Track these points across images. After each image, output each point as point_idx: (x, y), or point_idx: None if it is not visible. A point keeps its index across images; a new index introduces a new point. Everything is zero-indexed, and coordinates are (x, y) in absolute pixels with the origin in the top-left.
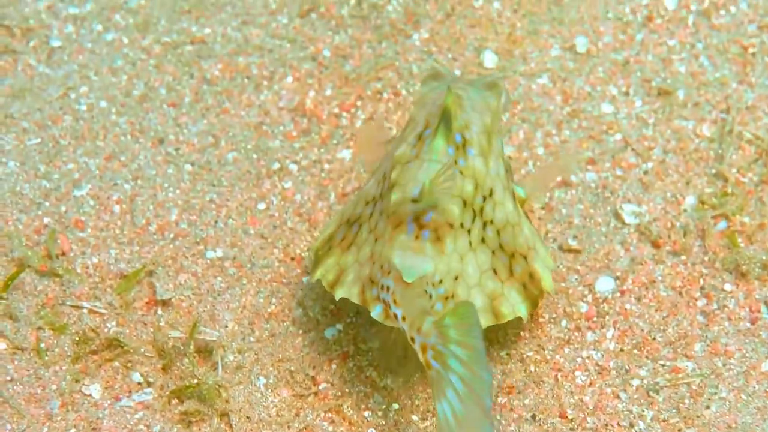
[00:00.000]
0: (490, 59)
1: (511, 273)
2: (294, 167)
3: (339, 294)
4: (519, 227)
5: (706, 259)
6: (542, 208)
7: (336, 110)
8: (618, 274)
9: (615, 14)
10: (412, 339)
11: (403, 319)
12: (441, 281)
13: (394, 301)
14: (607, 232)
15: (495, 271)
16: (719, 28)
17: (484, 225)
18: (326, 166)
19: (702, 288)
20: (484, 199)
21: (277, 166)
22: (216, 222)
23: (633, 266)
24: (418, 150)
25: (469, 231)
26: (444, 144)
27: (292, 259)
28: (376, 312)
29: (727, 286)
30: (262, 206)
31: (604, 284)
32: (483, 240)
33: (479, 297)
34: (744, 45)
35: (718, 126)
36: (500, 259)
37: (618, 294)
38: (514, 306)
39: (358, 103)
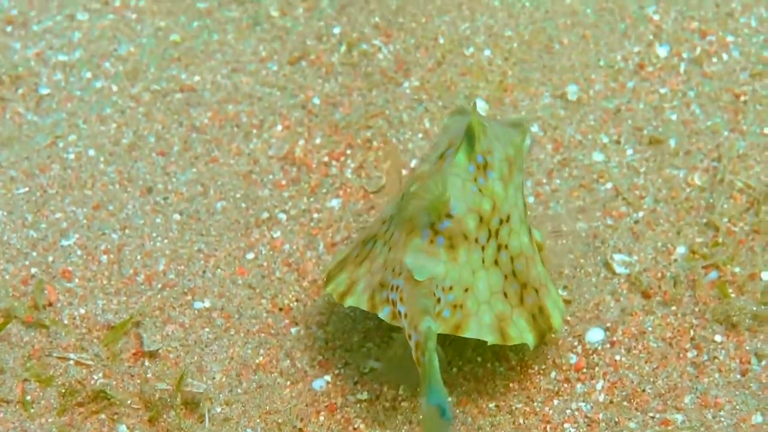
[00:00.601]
0: (480, 108)
1: (522, 301)
2: (283, 216)
3: (348, 302)
4: (533, 261)
5: (696, 309)
6: None
7: (326, 159)
8: (608, 324)
9: (606, 62)
10: (409, 336)
11: (405, 316)
12: (451, 288)
13: (401, 299)
14: (598, 282)
15: (506, 295)
16: (711, 76)
17: (499, 248)
18: (315, 215)
19: (692, 339)
20: (501, 222)
21: (266, 215)
22: (204, 272)
23: (623, 317)
24: (437, 166)
25: (483, 248)
26: (466, 160)
27: (281, 309)
28: (384, 313)
29: (718, 338)
30: (250, 256)
31: (594, 335)
32: (496, 262)
33: (488, 314)
34: (736, 93)
35: (710, 175)
36: (512, 285)
37: (608, 345)
38: (522, 332)
39: (348, 152)
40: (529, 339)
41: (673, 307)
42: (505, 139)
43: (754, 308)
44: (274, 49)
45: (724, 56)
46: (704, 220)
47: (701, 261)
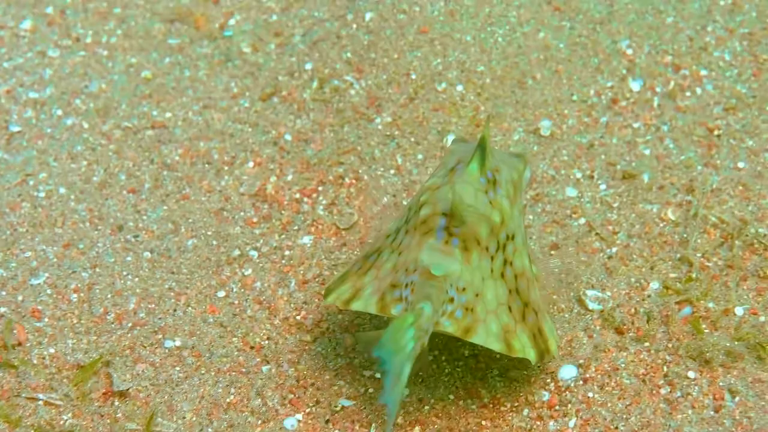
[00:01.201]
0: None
1: (524, 318)
2: (254, 254)
3: (356, 306)
4: (533, 285)
5: (669, 345)
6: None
7: (297, 195)
8: (581, 361)
9: (579, 96)
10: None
11: (411, 303)
12: (464, 289)
13: (412, 291)
14: (570, 318)
15: (510, 309)
16: (684, 110)
17: (505, 262)
18: (287, 252)
19: (665, 375)
20: (507, 238)
21: (237, 252)
22: (175, 310)
23: (596, 353)
24: (449, 178)
25: (492, 258)
26: (478, 170)
27: (252, 347)
28: (395, 310)
29: (691, 374)
30: (221, 294)
31: (567, 372)
32: (503, 275)
33: (494, 323)
34: (709, 127)
35: (683, 210)
36: (516, 301)
37: (581, 382)
38: (525, 347)
39: (320, 189)
40: (531, 355)
41: (647, 343)
42: (509, 164)
43: (728, 344)
44: (246, 86)
45: (698, 90)
46: (678, 256)
47: (675, 296)
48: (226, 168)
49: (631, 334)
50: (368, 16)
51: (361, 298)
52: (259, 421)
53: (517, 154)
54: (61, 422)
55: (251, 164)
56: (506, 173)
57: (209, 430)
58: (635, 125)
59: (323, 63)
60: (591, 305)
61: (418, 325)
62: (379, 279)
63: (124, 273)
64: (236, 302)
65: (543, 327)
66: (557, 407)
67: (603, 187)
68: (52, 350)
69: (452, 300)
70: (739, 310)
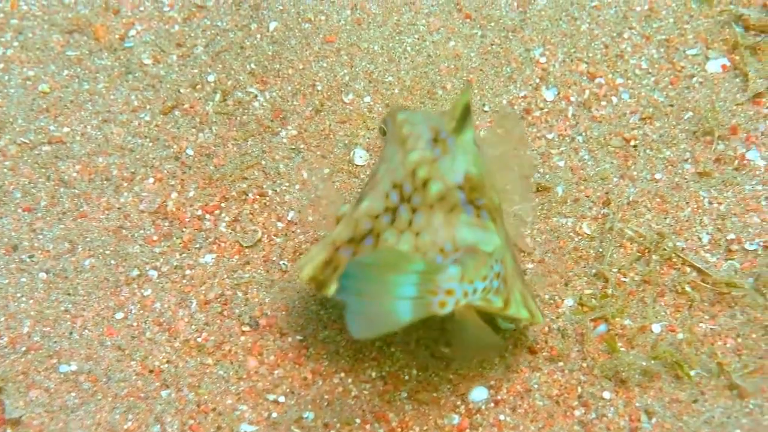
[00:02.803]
0: (360, 156)
1: (523, 281)
2: (154, 274)
3: None
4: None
5: (584, 365)
6: None
7: (199, 212)
8: (492, 382)
9: (491, 107)
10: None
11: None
12: (503, 261)
13: None
14: None
15: (518, 275)
16: (600, 119)
17: (500, 216)
18: (188, 271)
19: (580, 396)
20: (499, 214)
21: (136, 272)
22: (71, 333)
23: (508, 374)
24: (441, 149)
25: (501, 223)
26: (472, 138)
27: (151, 371)
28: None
29: (606, 394)
30: (119, 316)
31: (478, 394)
32: (506, 238)
33: (517, 291)
34: (626, 137)
35: (599, 223)
36: (518, 269)
37: (492, 404)
38: (534, 311)
39: (223, 205)
40: (540, 318)
41: (560, 363)
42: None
43: (645, 363)
44: (147, 99)
45: (614, 99)
46: (593, 271)
47: (590, 314)
48: (125, 184)
49: (544, 354)
50: (272, 25)
51: None
52: None
53: (441, 113)
54: None
55: (151, 180)
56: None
57: None
58: (549, 136)
59: (226, 74)
60: (503, 324)
61: (427, 275)
62: None
63: (18, 295)
64: (135, 324)
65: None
66: (467, 431)
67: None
68: None
69: (498, 275)
70: (656, 328)
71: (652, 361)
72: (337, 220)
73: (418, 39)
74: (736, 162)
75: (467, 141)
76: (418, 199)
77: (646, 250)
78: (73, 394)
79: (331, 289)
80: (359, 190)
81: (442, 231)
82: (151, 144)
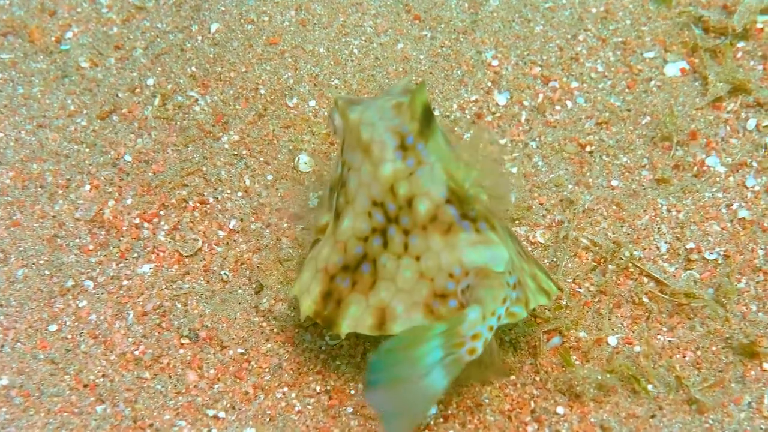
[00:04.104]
0: (305, 162)
1: (528, 256)
2: (90, 284)
3: (397, 328)
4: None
5: (537, 379)
6: None
7: (137, 221)
8: (441, 397)
9: (441, 111)
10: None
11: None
12: (514, 268)
13: (470, 294)
14: None
15: (520, 254)
16: (554, 124)
17: (492, 214)
18: (125, 282)
19: (533, 411)
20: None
21: (71, 283)
22: (2, 346)
23: (457, 388)
24: (414, 159)
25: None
26: (443, 142)
27: (86, 386)
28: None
29: (560, 409)
30: (53, 328)
31: None
32: (501, 227)
33: (528, 279)
34: (581, 143)
35: (553, 232)
36: (516, 243)
37: (441, 419)
38: (547, 282)
39: (162, 213)
40: (553, 287)
41: (512, 377)
42: None
43: (600, 377)
44: (84, 103)
45: (569, 104)
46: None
47: (543, 325)
48: (60, 192)
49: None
50: (214, 27)
51: (398, 318)
52: None
53: (406, 90)
54: None
55: (88, 187)
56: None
57: None
58: (501, 141)
59: (166, 78)
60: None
61: (450, 332)
62: (405, 291)
63: None
64: (69, 337)
65: (527, 250)
66: None
67: None
68: None
69: (514, 286)
70: (612, 340)
71: (608, 375)
72: (316, 229)
73: (365, 41)
74: (696, 168)
75: (438, 145)
76: (407, 220)
77: (602, 260)
78: (4, 409)
79: (343, 328)
80: (324, 192)
81: (445, 254)
82: (87, 150)
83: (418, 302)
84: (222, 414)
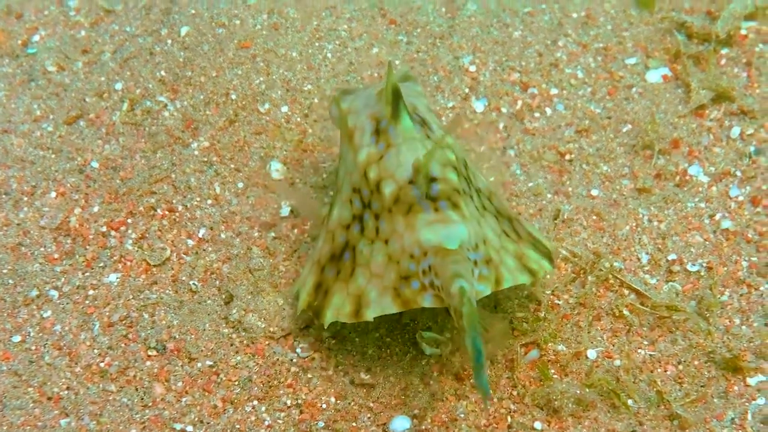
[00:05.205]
0: (276, 170)
1: (519, 235)
2: (54, 294)
3: (370, 315)
4: (497, 197)
5: (514, 393)
6: (333, 338)
7: (104, 229)
8: (416, 411)
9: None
10: (451, 308)
11: (441, 288)
12: (477, 246)
13: (435, 274)
14: (405, 363)
15: (506, 234)
16: (533, 132)
17: (477, 193)
18: (91, 292)
19: (510, 427)
20: (465, 167)
21: (35, 293)
22: None
23: (432, 402)
24: (384, 142)
25: (471, 197)
26: (410, 123)
27: (50, 398)
28: (428, 301)
29: (538, 425)
30: (16, 339)
31: (400, 424)
32: (484, 206)
33: (509, 258)
34: (560, 151)
35: None
36: (504, 223)
37: None
38: (539, 262)
39: (129, 221)
40: (547, 266)
41: (489, 391)
42: (413, 93)
43: (579, 391)
44: (50, 108)
45: (548, 111)
46: (524, 293)
47: (521, 338)
48: (25, 199)
49: (471, 381)
50: (184, 30)
51: (371, 304)
52: None
53: (404, 77)
54: None
55: (53, 194)
56: (421, 105)
57: None
58: (479, 149)
59: (135, 82)
60: (428, 349)
61: (469, 304)
62: (377, 276)
63: None
64: (33, 348)
65: (529, 231)
66: None
67: None
68: None
69: (476, 263)
70: (591, 353)
71: (587, 390)
72: (320, 220)
73: (339, 45)
74: (678, 177)
75: (407, 127)
76: (377, 204)
77: (582, 271)
78: None
79: (327, 318)
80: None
81: (407, 236)
82: (53, 156)
83: (388, 286)
84: (190, 428)
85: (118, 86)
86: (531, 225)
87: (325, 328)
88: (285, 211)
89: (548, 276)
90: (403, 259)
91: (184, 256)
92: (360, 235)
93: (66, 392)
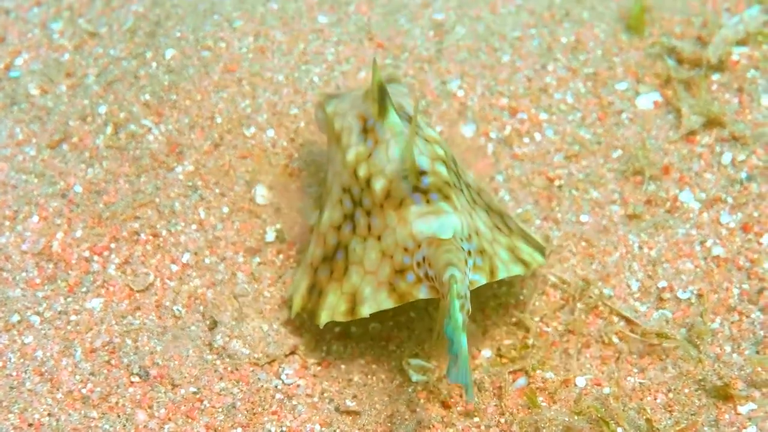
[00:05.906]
0: (262, 195)
1: (510, 229)
2: (36, 319)
3: (366, 311)
4: (486, 193)
5: (502, 421)
6: (318, 364)
7: (87, 254)
8: None
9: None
10: (442, 295)
11: (435, 278)
12: (470, 236)
13: (429, 265)
14: (391, 390)
15: (498, 228)
16: (522, 157)
17: (467, 187)
18: (73, 317)
19: None
20: (454, 163)
21: (16, 318)
22: None
23: (419, 430)
24: (373, 140)
25: (461, 190)
26: (398, 119)
27: (30, 425)
28: (423, 292)
29: None
30: None
31: None
32: (474, 201)
33: (502, 251)
34: (549, 177)
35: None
36: (495, 217)
37: None
38: (531, 254)
39: (112, 246)
40: (539, 258)
41: (476, 419)
42: (399, 93)
43: (567, 419)
44: (33, 131)
45: (537, 136)
46: (513, 320)
47: (509, 365)
48: (7, 223)
49: (458, 408)
50: (169, 53)
51: (366, 301)
52: None
53: (390, 78)
54: None
55: (36, 219)
56: (407, 104)
57: None
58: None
59: (119, 106)
60: (414, 376)
61: (457, 294)
62: (371, 273)
63: None
64: (14, 374)
65: (520, 226)
66: None
67: None
68: None
69: (470, 253)
70: (580, 381)
71: (576, 417)
72: (310, 229)
73: (325, 69)
74: (669, 204)
75: (394, 123)
76: (368, 201)
77: (571, 298)
78: None
79: (322, 318)
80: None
81: (399, 229)
82: (36, 180)
83: (383, 282)
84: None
85: (102, 110)
86: (521, 222)
87: (321, 328)
88: (270, 236)
89: (541, 268)
90: (396, 253)
91: (168, 281)
92: (352, 234)
93: (47, 419)
